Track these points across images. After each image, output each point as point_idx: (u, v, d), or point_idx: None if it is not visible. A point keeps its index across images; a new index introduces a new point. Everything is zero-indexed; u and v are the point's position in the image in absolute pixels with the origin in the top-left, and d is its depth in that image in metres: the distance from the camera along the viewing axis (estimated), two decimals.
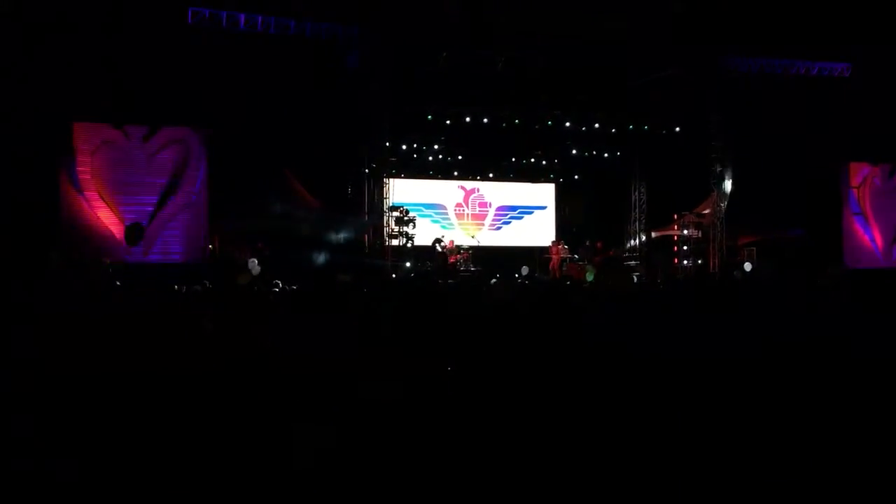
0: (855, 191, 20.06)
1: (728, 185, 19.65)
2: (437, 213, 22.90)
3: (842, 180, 20.03)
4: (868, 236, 19.98)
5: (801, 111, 18.22)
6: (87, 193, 15.80)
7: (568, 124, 20.45)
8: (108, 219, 15.95)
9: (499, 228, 23.54)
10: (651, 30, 17.62)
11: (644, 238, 23.02)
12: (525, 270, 19.61)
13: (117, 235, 15.94)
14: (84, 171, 15.78)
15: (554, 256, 20.52)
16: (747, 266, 18.51)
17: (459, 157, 22.14)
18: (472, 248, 20.61)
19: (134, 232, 15.74)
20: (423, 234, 20.23)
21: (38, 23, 14.51)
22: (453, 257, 19.73)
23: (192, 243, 16.55)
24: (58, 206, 15.62)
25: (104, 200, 15.91)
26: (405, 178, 21.63)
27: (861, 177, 20.10)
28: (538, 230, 23.21)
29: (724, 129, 19.42)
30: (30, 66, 14.45)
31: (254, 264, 16.30)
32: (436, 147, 21.51)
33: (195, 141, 16.57)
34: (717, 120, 19.42)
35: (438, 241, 19.84)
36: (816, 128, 17.95)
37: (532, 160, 22.76)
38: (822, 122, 18.02)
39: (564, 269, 20.03)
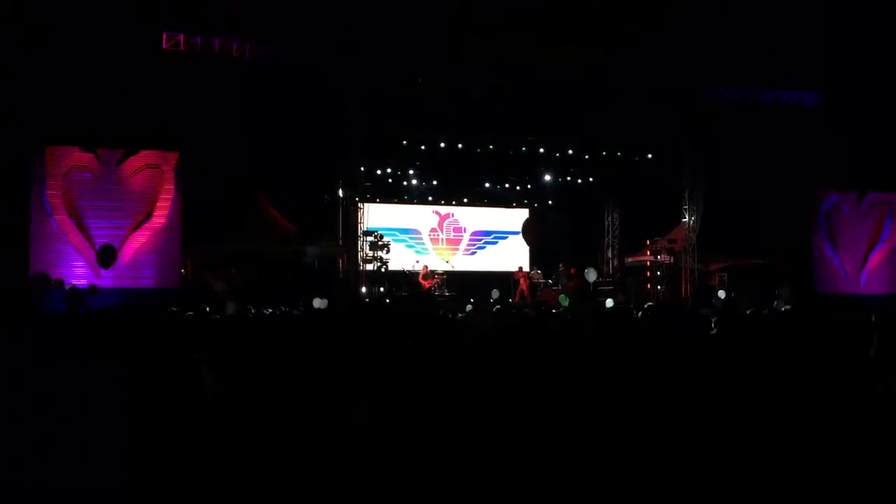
0: (824, 217, 20.33)
1: (699, 210, 19.87)
2: (411, 238, 22.90)
3: (812, 207, 20.31)
4: (836, 262, 20.23)
5: (771, 139, 18.50)
6: (56, 217, 15.60)
7: (542, 150, 20.59)
8: (78, 242, 15.73)
9: (473, 253, 23.58)
10: (624, 58, 17.86)
11: (617, 264, 23.17)
12: (496, 294, 19.65)
13: (87, 259, 15.73)
14: (54, 194, 15.59)
15: (521, 281, 20.59)
16: (721, 293, 18.64)
17: (434, 182, 22.19)
18: (446, 272, 20.62)
19: (106, 254, 15.56)
20: (398, 258, 20.21)
21: (11, 45, 14.39)
22: (428, 282, 19.71)
23: (164, 268, 16.35)
24: (27, 230, 15.41)
25: (75, 224, 15.71)
26: (380, 202, 21.63)
27: (830, 203, 20.39)
28: (512, 255, 23.27)
29: (695, 155, 19.66)
30: (1, 89, 14.29)
31: (222, 289, 16.13)
32: (410, 172, 21.54)
33: (168, 165, 16.42)
34: (689, 147, 19.66)
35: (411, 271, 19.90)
36: (786, 155, 18.21)
37: (506, 185, 22.87)
38: (791, 149, 18.28)
39: (538, 294, 20.07)
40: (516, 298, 19.91)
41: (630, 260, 22.51)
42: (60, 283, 14.67)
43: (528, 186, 23.01)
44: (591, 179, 22.60)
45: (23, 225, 15.38)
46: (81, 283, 14.83)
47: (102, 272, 15.72)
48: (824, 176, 19.66)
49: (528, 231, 21.33)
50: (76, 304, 12.72)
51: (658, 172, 20.43)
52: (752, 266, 20.56)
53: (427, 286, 19.52)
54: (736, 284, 19.76)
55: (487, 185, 22.76)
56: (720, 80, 19.02)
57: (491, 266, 23.10)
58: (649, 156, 20.89)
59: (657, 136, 20.04)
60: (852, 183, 20.06)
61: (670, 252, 20.44)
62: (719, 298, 15.51)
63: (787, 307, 11.15)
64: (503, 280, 21.30)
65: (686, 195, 19.97)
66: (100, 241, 15.82)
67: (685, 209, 20.05)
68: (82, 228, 15.77)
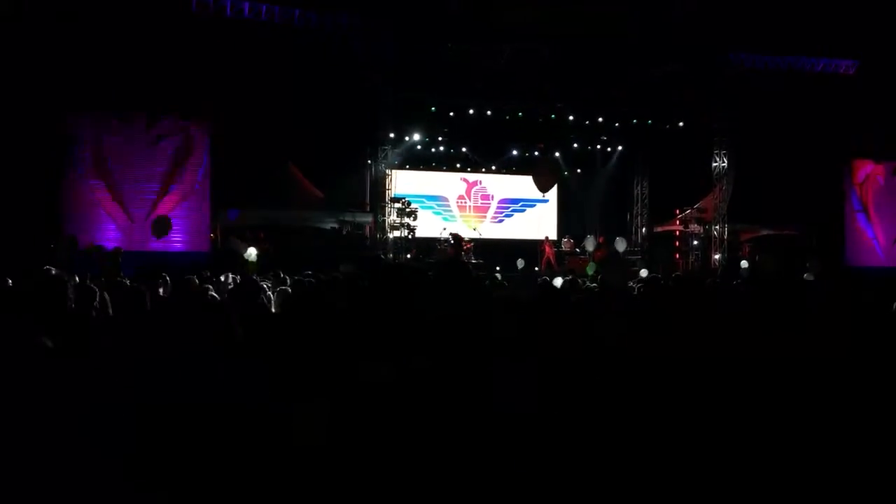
0: (857, 188, 20.02)
1: (731, 180, 19.64)
2: (439, 205, 22.90)
3: (845, 177, 20.00)
4: (870, 234, 19.94)
5: (805, 108, 18.18)
6: (90, 181, 15.82)
7: (571, 118, 20.43)
8: (110, 207, 15.96)
9: (501, 221, 23.54)
10: (656, 25, 17.58)
11: (646, 233, 23.02)
12: (521, 263, 19.60)
13: (119, 223, 15.96)
14: (87, 158, 15.79)
15: (547, 250, 20.57)
16: (744, 263, 18.48)
17: (462, 149, 22.11)
18: (473, 240, 20.63)
19: (161, 224, 15.81)
20: (425, 226, 20.24)
21: (40, 11, 14.50)
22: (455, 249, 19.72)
23: (194, 232, 16.56)
24: (60, 195, 15.66)
25: (107, 188, 15.93)
26: (408, 169, 21.63)
27: (864, 174, 20.05)
28: (540, 223, 23.20)
29: (727, 124, 19.40)
30: (32, 56, 14.43)
31: (251, 253, 16.32)
32: (439, 139, 21.48)
33: (198, 130, 16.55)
34: (721, 116, 19.39)
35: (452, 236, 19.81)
36: (820, 124, 17.90)
37: (535, 153, 22.74)
38: (826, 118, 17.97)
39: (566, 263, 20.03)
40: (542, 267, 19.89)
41: (659, 229, 22.35)
42: (99, 248, 14.88)
43: (557, 154, 22.86)
44: (619, 148, 22.41)
45: (56, 189, 15.62)
46: (111, 245, 15.08)
47: (135, 236, 15.94)
48: (859, 145, 19.32)
49: (540, 175, 21.12)
50: (114, 266, 12.97)
51: (689, 141, 20.20)
52: (783, 236, 20.36)
53: (453, 253, 19.54)
54: (760, 251, 19.58)
55: (515, 152, 22.63)
56: (753, 46, 18.67)
57: (518, 234, 23.05)
58: (680, 124, 20.64)
59: (688, 103, 19.79)
60: (888, 153, 19.68)
61: (700, 222, 20.26)
62: (746, 269, 15.41)
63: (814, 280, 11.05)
64: (530, 248, 21.29)
65: (717, 164, 19.73)
66: (131, 206, 16.03)
67: (716, 178, 19.82)
68: (114, 192, 15.97)
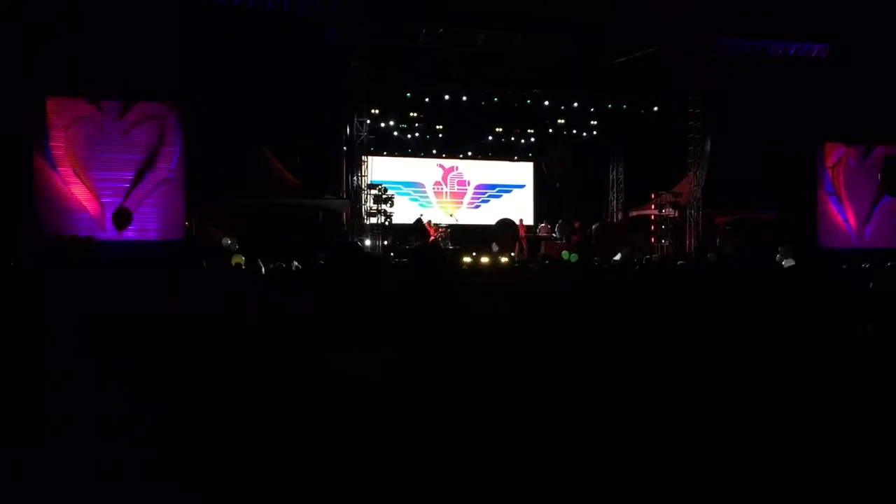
0: (829, 171, 20.22)
1: (705, 164, 19.76)
2: (415, 192, 22.87)
3: (817, 160, 20.19)
4: (842, 216, 20.18)
5: (778, 91, 18.33)
6: (60, 169, 15.61)
7: (547, 103, 20.44)
8: (82, 195, 15.77)
9: (477, 207, 23.56)
10: (632, 9, 17.61)
11: (622, 217, 23.13)
12: (495, 247, 19.60)
13: (91, 212, 15.78)
14: (58, 146, 15.57)
15: (520, 233, 20.64)
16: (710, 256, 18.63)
17: (439, 135, 22.07)
18: (449, 226, 20.62)
19: (122, 216, 15.64)
20: (402, 212, 20.20)
21: None
22: (433, 234, 19.73)
23: (168, 221, 16.40)
24: (31, 183, 15.43)
25: (78, 177, 15.73)
26: (384, 156, 21.55)
27: (836, 157, 20.25)
28: (517, 209, 23.23)
29: (701, 108, 19.50)
30: (3, 41, 14.20)
31: (227, 243, 16.21)
32: (415, 125, 21.41)
33: (171, 117, 16.37)
34: (696, 100, 19.48)
35: (419, 219, 19.83)
36: (793, 108, 18.06)
37: (511, 138, 22.74)
38: (798, 102, 18.13)
39: (542, 249, 20.07)
40: (515, 252, 19.93)
41: (634, 213, 22.46)
42: (75, 238, 14.76)
43: (532, 140, 22.88)
44: (594, 133, 22.47)
45: (27, 177, 15.40)
46: (84, 234, 14.94)
47: (108, 224, 15.78)
48: (831, 129, 19.51)
49: (553, 167, 21.20)
50: (82, 256, 12.86)
51: (664, 125, 20.29)
52: (757, 220, 20.52)
53: (434, 237, 19.55)
54: (723, 235, 19.79)
55: (491, 138, 22.61)
56: (727, 31, 18.77)
57: (495, 219, 23.06)
58: (655, 108, 20.73)
59: (663, 88, 19.87)
60: (859, 136, 19.90)
61: (675, 206, 20.37)
62: (713, 255, 15.60)
63: (789, 263, 11.17)
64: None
65: (692, 148, 19.84)
66: (104, 194, 15.86)
67: (690, 162, 19.94)
68: (86, 181, 15.79)
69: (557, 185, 22.33)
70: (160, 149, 16.26)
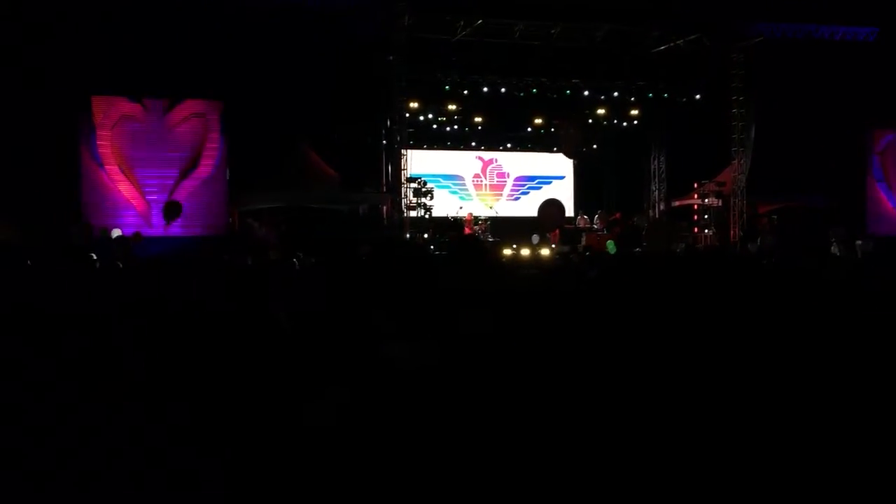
0: (878, 157, 19.80)
1: (749, 152, 19.44)
2: (454, 184, 22.85)
3: (866, 147, 19.77)
4: (891, 203, 19.76)
5: (825, 77, 17.94)
6: (107, 167, 15.90)
7: (587, 93, 20.26)
8: (128, 192, 16.06)
9: (517, 199, 23.45)
10: None
11: (664, 207, 22.85)
12: (535, 239, 19.47)
13: (138, 209, 16.07)
14: (104, 144, 15.87)
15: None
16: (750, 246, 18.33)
17: (478, 128, 22.00)
18: (489, 218, 20.56)
19: (172, 209, 15.92)
20: (442, 205, 20.21)
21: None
22: (470, 228, 19.71)
23: (212, 217, 16.63)
24: (79, 181, 15.74)
25: (125, 174, 16.02)
26: (423, 149, 21.55)
27: (885, 143, 19.83)
28: None
29: (745, 95, 19.18)
30: (48, 41, 14.48)
31: (269, 238, 16.38)
32: (454, 117, 21.37)
33: (214, 114, 16.58)
34: (739, 87, 19.16)
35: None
36: (840, 94, 17.66)
37: (551, 129, 22.55)
38: (846, 88, 17.73)
39: (584, 240, 19.91)
40: (554, 239, 19.80)
41: (677, 203, 22.18)
42: (104, 231, 15.05)
43: (572, 130, 22.66)
44: (635, 122, 22.21)
45: (75, 175, 15.71)
46: (130, 231, 15.21)
47: (154, 221, 16.05)
48: (880, 114, 19.05)
49: (567, 140, 20.96)
50: (123, 253, 13.07)
51: (706, 113, 19.99)
52: (803, 208, 20.15)
53: (469, 231, 19.53)
54: (763, 228, 19.42)
55: (530, 129, 22.46)
56: (771, 15, 18.40)
57: (535, 211, 22.94)
58: (697, 97, 20.42)
59: (705, 75, 19.58)
60: None
61: (718, 195, 20.09)
62: (755, 245, 15.33)
63: (839, 250, 10.96)
64: None
65: (735, 136, 19.53)
66: (149, 191, 16.15)
67: (734, 151, 19.63)
68: (132, 179, 16.07)
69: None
70: (203, 145, 16.48)
